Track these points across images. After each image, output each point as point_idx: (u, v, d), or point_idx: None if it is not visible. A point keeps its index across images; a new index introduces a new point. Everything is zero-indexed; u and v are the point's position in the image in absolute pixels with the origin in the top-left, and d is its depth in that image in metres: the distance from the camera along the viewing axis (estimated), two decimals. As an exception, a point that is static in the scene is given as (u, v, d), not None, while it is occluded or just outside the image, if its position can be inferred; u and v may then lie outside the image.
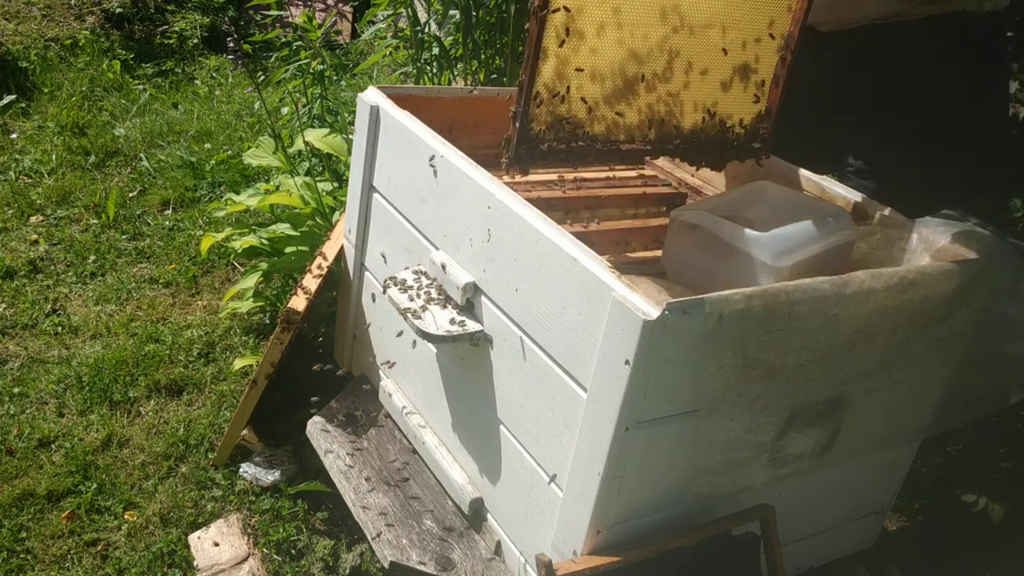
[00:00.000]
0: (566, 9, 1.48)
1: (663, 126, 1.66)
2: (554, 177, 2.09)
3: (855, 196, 1.82)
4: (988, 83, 1.91)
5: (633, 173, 2.22)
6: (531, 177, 2.03)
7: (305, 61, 2.97)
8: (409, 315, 1.68)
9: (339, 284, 2.22)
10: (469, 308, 1.70)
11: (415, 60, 2.89)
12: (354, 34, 5.37)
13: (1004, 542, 2.13)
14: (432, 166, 1.74)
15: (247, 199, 2.75)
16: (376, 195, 1.98)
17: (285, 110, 3.49)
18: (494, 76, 2.89)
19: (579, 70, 1.53)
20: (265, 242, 2.63)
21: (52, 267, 3.11)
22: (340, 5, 5.43)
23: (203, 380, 2.56)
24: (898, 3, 1.85)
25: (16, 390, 2.48)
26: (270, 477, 2.18)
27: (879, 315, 1.49)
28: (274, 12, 3.65)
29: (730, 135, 1.73)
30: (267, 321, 2.77)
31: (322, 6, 5.42)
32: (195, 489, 2.19)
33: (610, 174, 2.16)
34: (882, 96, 1.94)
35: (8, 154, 3.90)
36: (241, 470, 2.21)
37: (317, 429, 2.06)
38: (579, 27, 1.51)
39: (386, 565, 1.75)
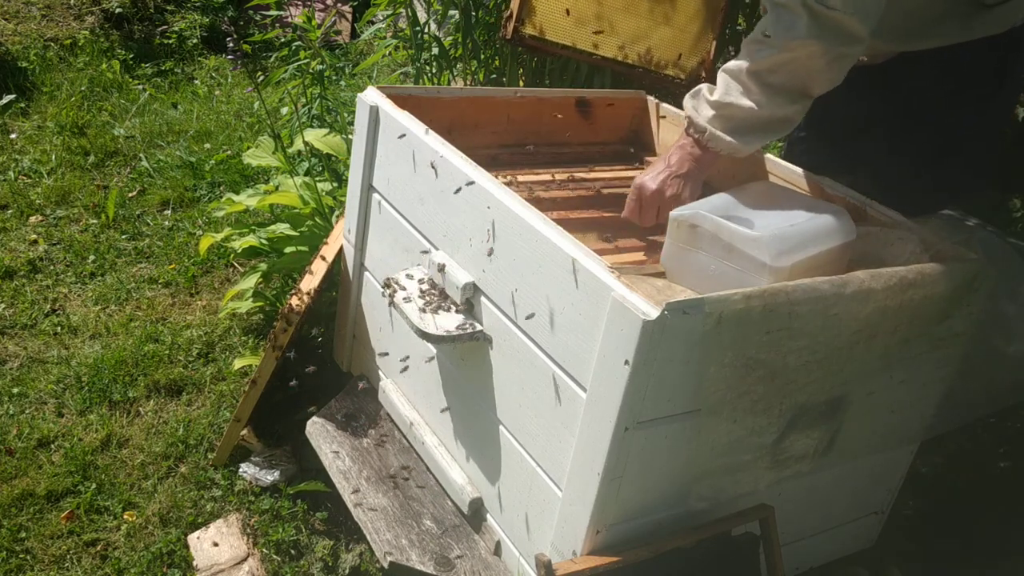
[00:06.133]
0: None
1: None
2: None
3: (855, 196, 1.82)
4: (976, 107, 1.90)
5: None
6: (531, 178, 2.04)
7: (305, 61, 2.97)
8: (408, 315, 1.68)
9: (339, 284, 2.22)
10: (469, 308, 1.70)
11: (415, 60, 2.89)
12: (354, 34, 5.36)
13: (1004, 542, 2.13)
14: (426, 166, 1.74)
15: (247, 199, 2.75)
16: (376, 195, 1.98)
17: (285, 110, 3.49)
18: (494, 76, 2.89)
19: None
20: (265, 242, 2.63)
21: (51, 267, 3.10)
22: (340, 5, 5.43)
23: (203, 380, 2.56)
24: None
25: (15, 390, 2.48)
26: (270, 477, 2.18)
27: (879, 315, 1.49)
28: (274, 12, 3.65)
29: None
30: (266, 321, 2.77)
31: (322, 6, 5.42)
32: (194, 489, 2.19)
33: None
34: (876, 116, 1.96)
35: (7, 154, 3.90)
36: (241, 470, 2.21)
37: (317, 429, 2.06)
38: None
39: (385, 565, 1.75)
